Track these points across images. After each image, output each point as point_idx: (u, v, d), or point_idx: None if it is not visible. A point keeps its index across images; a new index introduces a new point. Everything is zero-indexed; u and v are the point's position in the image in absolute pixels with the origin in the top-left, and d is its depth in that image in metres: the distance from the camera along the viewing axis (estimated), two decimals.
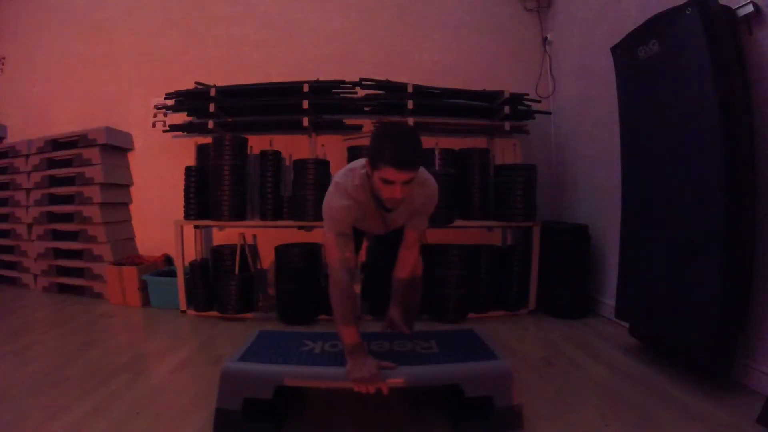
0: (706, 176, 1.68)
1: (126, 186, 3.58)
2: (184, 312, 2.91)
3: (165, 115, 3.54)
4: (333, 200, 1.49)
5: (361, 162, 1.54)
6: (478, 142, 3.37)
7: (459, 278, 2.71)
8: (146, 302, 3.08)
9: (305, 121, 3.02)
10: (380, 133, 1.40)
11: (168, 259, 3.43)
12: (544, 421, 1.49)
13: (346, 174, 1.52)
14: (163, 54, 3.57)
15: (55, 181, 3.41)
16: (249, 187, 3.04)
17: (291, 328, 2.59)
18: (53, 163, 3.42)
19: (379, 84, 3.09)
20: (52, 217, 3.42)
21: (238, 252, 2.92)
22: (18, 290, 3.57)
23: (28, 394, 1.69)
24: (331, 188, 1.52)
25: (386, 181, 1.32)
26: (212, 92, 3.02)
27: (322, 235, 1.57)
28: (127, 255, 3.37)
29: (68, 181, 3.36)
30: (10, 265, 3.72)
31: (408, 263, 1.70)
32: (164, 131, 3.42)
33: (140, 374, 1.92)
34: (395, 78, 3.17)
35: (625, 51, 2.13)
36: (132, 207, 3.62)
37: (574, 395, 1.70)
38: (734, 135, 1.62)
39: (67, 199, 3.36)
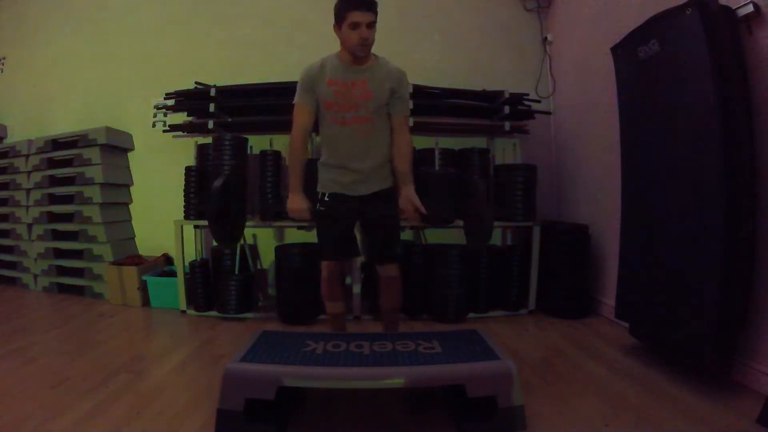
0: (706, 176, 1.68)
1: (126, 186, 3.58)
2: (184, 312, 2.91)
3: (165, 115, 3.53)
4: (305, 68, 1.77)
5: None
6: (478, 142, 3.36)
7: (459, 278, 2.71)
8: (146, 302, 3.08)
9: None
10: None
11: (168, 259, 3.43)
12: (544, 421, 1.49)
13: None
14: (163, 54, 3.57)
15: (55, 181, 3.41)
16: (249, 187, 3.03)
17: (291, 328, 2.59)
18: (53, 163, 3.42)
19: None
20: (52, 217, 3.42)
21: (238, 252, 2.92)
22: (18, 290, 3.56)
23: (28, 394, 1.69)
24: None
25: (354, 26, 1.61)
26: (212, 92, 3.01)
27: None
28: (127, 255, 3.37)
29: (68, 181, 3.36)
30: (11, 265, 3.72)
31: (404, 144, 1.83)
32: (164, 131, 3.41)
33: (140, 374, 1.92)
34: None
35: (625, 51, 2.13)
36: (132, 207, 3.61)
37: (574, 395, 1.71)
38: (734, 135, 1.62)
39: (67, 199, 3.36)
